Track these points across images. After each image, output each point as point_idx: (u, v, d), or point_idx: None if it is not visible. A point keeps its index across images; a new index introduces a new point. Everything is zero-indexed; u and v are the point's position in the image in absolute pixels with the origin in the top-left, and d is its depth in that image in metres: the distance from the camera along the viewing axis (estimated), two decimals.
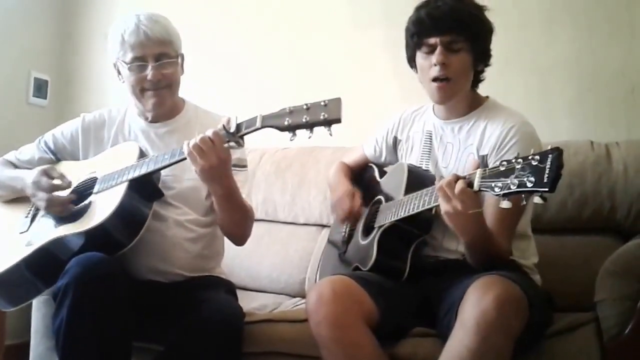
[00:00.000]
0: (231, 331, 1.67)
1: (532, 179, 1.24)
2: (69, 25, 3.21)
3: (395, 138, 1.97)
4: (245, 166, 1.91)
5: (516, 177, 1.27)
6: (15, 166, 1.98)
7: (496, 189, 1.31)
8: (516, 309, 1.43)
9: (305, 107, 1.49)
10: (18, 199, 1.94)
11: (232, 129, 1.59)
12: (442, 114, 1.84)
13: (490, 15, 1.76)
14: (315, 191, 2.45)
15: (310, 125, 1.48)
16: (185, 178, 1.81)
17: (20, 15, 2.99)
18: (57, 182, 1.80)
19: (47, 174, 1.81)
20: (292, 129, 1.50)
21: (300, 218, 2.50)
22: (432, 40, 1.71)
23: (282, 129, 1.51)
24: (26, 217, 1.89)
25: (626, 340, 1.56)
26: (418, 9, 1.76)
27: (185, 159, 1.64)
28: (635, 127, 2.23)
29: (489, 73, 1.82)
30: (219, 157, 1.60)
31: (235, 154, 1.75)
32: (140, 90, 1.84)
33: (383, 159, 2.03)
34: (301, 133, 1.51)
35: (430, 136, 1.85)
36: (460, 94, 1.77)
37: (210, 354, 1.63)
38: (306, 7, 2.81)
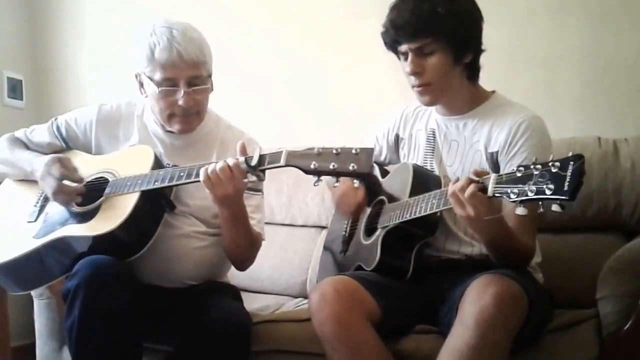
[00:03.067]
0: (240, 335, 1.66)
1: (552, 186, 1.21)
2: (40, 22, 3.11)
3: (397, 136, 1.93)
4: (259, 190, 1.86)
5: (534, 183, 1.24)
6: (26, 145, 1.92)
7: (512, 196, 1.28)
8: (515, 306, 1.43)
9: (334, 152, 1.44)
10: (28, 183, 1.89)
11: (254, 162, 1.54)
12: (444, 111, 1.79)
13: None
14: (312, 193, 2.44)
15: (337, 174, 1.43)
16: (198, 196, 1.75)
17: None
18: (68, 172, 1.75)
19: (60, 161, 1.76)
20: (317, 173, 1.45)
21: (299, 220, 2.49)
22: (403, 48, 1.67)
23: (307, 171, 1.46)
24: (35, 205, 1.85)
25: (625, 335, 1.58)
26: (387, 15, 1.70)
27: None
28: None
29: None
30: (235, 188, 1.57)
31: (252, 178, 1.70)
32: (168, 115, 1.74)
33: (383, 157, 2.00)
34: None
35: (434, 134, 1.81)
36: (449, 92, 1.72)
37: (220, 357, 1.63)
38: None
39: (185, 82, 1.69)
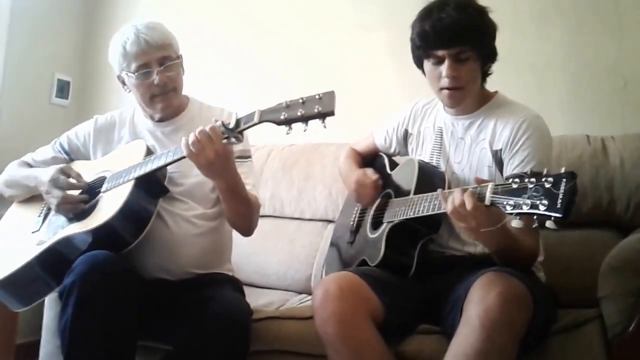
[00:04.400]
0: (238, 329, 1.68)
1: (545, 202, 1.22)
2: (91, 28, 3.29)
3: (406, 131, 1.98)
4: (249, 157, 1.93)
5: (529, 197, 1.25)
6: (30, 166, 2.01)
7: (508, 207, 1.29)
8: (520, 306, 1.43)
9: (300, 101, 1.50)
10: (32, 199, 1.98)
11: (232, 125, 1.61)
12: (452, 110, 1.84)
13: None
14: (321, 187, 2.48)
15: (305, 119, 1.49)
16: (192, 174, 1.83)
17: (46, 21, 3.13)
18: (73, 181, 1.84)
19: (64, 172, 1.85)
20: (288, 122, 1.51)
21: (307, 213, 2.52)
22: (440, 53, 1.70)
23: (278, 122, 1.52)
24: (39, 216, 1.92)
25: (631, 337, 1.57)
26: (422, 20, 1.73)
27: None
28: (629, 121, 2.26)
29: None
30: (216, 152, 1.60)
31: (238, 146, 1.77)
32: (150, 97, 1.87)
33: (393, 149, 2.04)
34: (297, 127, 1.53)
35: (441, 132, 1.86)
36: (471, 97, 1.77)
37: (218, 352, 1.63)
38: (310, 9, 2.84)
39: (157, 63, 1.85)
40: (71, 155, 2.02)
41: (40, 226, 1.88)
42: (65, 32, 3.25)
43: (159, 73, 1.83)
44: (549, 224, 1.23)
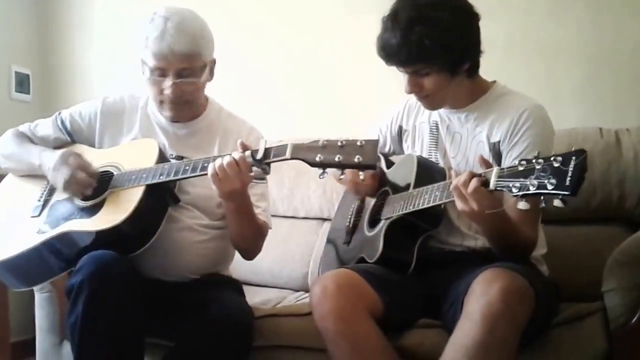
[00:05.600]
0: (242, 329, 1.67)
1: (553, 180, 1.21)
2: (47, 17, 3.14)
3: (401, 127, 1.93)
4: (264, 179, 1.85)
5: (536, 177, 1.25)
6: (31, 140, 1.92)
7: (514, 190, 1.28)
8: (521, 300, 1.42)
9: (339, 144, 1.44)
10: (31, 178, 1.89)
11: (260, 154, 1.55)
12: (446, 105, 1.78)
13: None
14: (314, 185, 2.45)
15: (342, 166, 1.43)
16: (200, 184, 1.76)
17: None
18: (84, 164, 1.75)
19: (76, 154, 1.77)
20: (323, 166, 1.45)
21: (300, 212, 2.50)
22: (400, 69, 1.67)
23: (312, 164, 1.46)
24: (39, 200, 1.84)
25: (633, 328, 1.57)
26: (379, 35, 1.68)
27: (206, 173, 1.59)
28: None
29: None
30: (242, 182, 1.57)
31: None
32: (159, 101, 1.77)
33: (387, 148, 2.00)
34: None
35: (437, 126, 1.81)
36: (449, 96, 1.71)
37: (222, 351, 1.63)
38: None
39: (174, 73, 1.71)
40: (73, 136, 1.90)
41: (40, 212, 1.81)
42: (19, 20, 3.04)
43: (173, 85, 1.71)
44: (556, 202, 1.22)
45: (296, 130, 2.57)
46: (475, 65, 1.72)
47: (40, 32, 3.13)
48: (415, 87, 1.67)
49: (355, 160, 1.41)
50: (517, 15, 2.28)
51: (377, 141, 1.44)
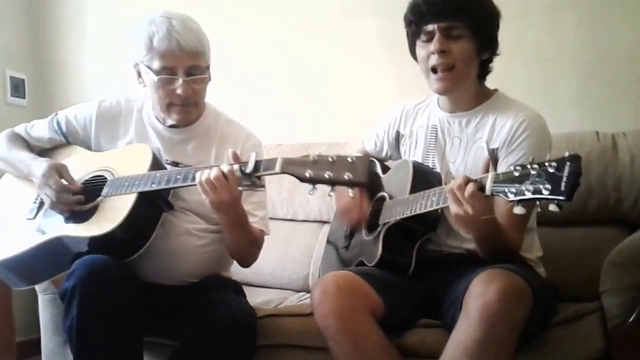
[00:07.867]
0: (248, 330, 1.67)
1: (549, 186, 1.21)
2: (43, 21, 3.15)
3: (398, 133, 1.94)
4: (262, 186, 1.83)
5: (531, 183, 1.24)
6: (25, 141, 1.92)
7: (510, 195, 1.28)
8: (519, 300, 1.43)
9: (330, 159, 1.41)
10: (28, 179, 1.88)
11: (249, 168, 1.53)
12: (448, 107, 1.79)
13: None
14: None
15: (331, 183, 1.40)
16: (195, 191, 1.74)
17: None
18: (65, 183, 1.73)
19: (58, 171, 1.74)
20: (312, 182, 1.42)
21: (300, 215, 2.50)
22: (430, 27, 1.66)
23: (302, 179, 1.43)
24: (34, 202, 1.85)
25: (630, 328, 1.58)
26: None
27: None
28: None
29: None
30: (231, 195, 1.55)
31: None
32: (167, 104, 1.75)
33: (384, 154, 2.00)
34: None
35: (436, 130, 1.81)
36: (464, 84, 1.71)
37: (228, 351, 1.63)
38: None
39: (183, 71, 1.69)
40: (68, 137, 1.90)
41: (36, 214, 1.81)
42: (13, 24, 3.03)
43: (184, 83, 1.69)
44: (552, 207, 1.21)
45: (292, 134, 2.60)
46: (488, 68, 1.75)
47: (34, 36, 3.13)
48: (444, 46, 1.64)
49: (345, 177, 1.38)
50: (513, 21, 2.27)
51: (367, 158, 1.43)
